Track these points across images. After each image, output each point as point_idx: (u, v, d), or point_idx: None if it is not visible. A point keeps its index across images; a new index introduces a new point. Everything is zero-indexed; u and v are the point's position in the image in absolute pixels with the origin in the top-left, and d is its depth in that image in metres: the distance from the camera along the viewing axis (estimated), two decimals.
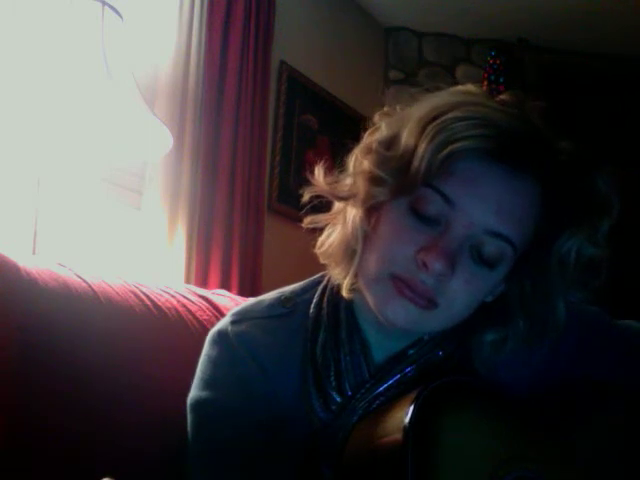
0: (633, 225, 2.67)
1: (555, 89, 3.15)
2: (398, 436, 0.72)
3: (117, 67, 1.48)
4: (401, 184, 0.76)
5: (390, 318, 0.76)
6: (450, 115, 0.73)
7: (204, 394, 0.85)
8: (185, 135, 2.06)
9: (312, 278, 0.92)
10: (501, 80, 3.19)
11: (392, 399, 0.80)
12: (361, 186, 0.80)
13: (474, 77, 3.28)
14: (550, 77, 3.32)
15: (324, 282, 0.89)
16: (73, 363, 0.93)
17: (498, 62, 3.22)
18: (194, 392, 0.86)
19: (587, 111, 3.09)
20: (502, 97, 0.80)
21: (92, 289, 1.01)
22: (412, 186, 0.75)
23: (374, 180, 0.78)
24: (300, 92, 2.82)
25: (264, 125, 2.38)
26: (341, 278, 0.83)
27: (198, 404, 0.85)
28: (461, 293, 0.75)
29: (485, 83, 3.19)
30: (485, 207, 0.73)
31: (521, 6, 3.11)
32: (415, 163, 0.73)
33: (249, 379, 0.84)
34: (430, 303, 0.75)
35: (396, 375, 0.83)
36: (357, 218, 0.80)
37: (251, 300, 0.93)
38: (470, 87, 0.81)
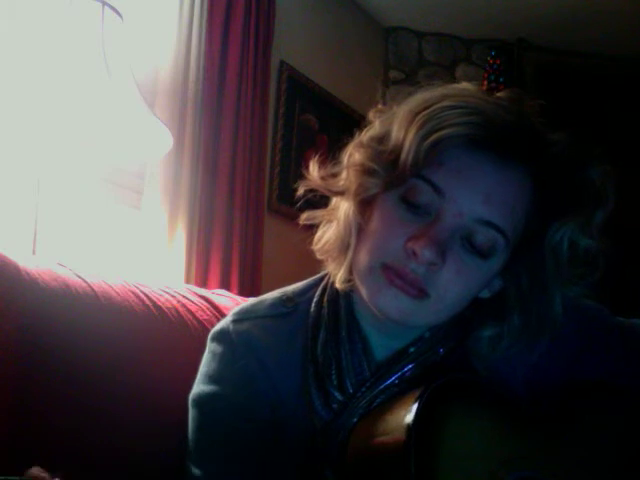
0: (633, 225, 2.68)
1: (555, 89, 3.15)
2: (401, 435, 0.72)
3: (117, 67, 1.48)
4: (392, 176, 0.76)
5: (382, 309, 0.76)
6: (439, 105, 0.74)
7: (208, 388, 0.85)
8: (185, 135, 2.06)
9: (313, 277, 0.92)
10: (501, 80, 3.19)
11: (392, 398, 0.80)
12: (353, 178, 0.80)
13: (474, 77, 3.28)
14: (550, 77, 3.32)
15: (325, 281, 0.89)
16: (73, 363, 0.93)
17: (498, 62, 3.22)
18: (197, 387, 0.87)
19: (586, 111, 3.09)
20: (498, 94, 0.80)
21: (92, 289, 1.01)
22: (403, 177, 0.75)
23: (366, 172, 0.79)
24: (300, 92, 2.82)
25: (264, 125, 2.38)
26: (336, 273, 0.84)
27: (201, 398, 0.85)
28: (453, 284, 0.75)
29: (485, 83, 3.19)
30: (475, 196, 0.74)
31: (521, 6, 3.11)
32: (403, 154, 0.74)
33: (251, 377, 0.85)
34: (421, 292, 0.75)
35: (396, 373, 0.83)
36: (350, 211, 0.81)
37: (252, 299, 0.94)
38: (465, 84, 0.81)
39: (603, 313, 0.92)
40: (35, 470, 0.54)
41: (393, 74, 3.41)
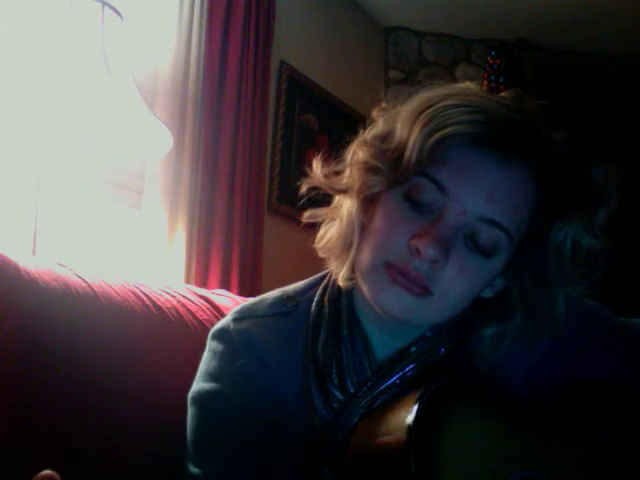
0: (633, 225, 2.68)
1: (555, 89, 3.15)
2: (402, 435, 0.72)
3: (117, 67, 1.48)
4: (396, 174, 0.76)
5: (385, 307, 0.76)
6: (442, 103, 0.74)
7: (207, 386, 0.85)
8: (185, 135, 2.06)
9: (314, 277, 0.92)
10: (501, 80, 3.20)
11: (393, 398, 0.80)
12: (357, 176, 0.81)
13: (474, 77, 3.28)
14: (550, 77, 3.32)
15: (326, 280, 0.89)
16: (73, 363, 0.93)
17: (498, 62, 3.22)
18: (197, 385, 0.87)
19: (587, 111, 3.09)
20: (501, 94, 0.80)
21: (92, 289, 1.01)
22: (406, 175, 0.75)
23: (370, 170, 0.79)
24: (300, 92, 2.82)
25: (264, 125, 2.38)
26: (339, 271, 0.84)
27: (201, 396, 0.85)
28: (456, 282, 0.75)
29: (485, 83, 3.19)
30: (478, 194, 0.74)
31: (521, 6, 3.11)
32: (407, 152, 0.74)
33: (252, 376, 0.85)
34: (424, 291, 0.75)
35: (398, 373, 0.83)
36: (353, 209, 0.81)
37: (253, 299, 0.93)
38: (467, 83, 0.82)
39: (604, 313, 0.92)
40: (47, 472, 0.54)
41: (393, 74, 3.41)
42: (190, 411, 0.86)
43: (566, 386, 0.86)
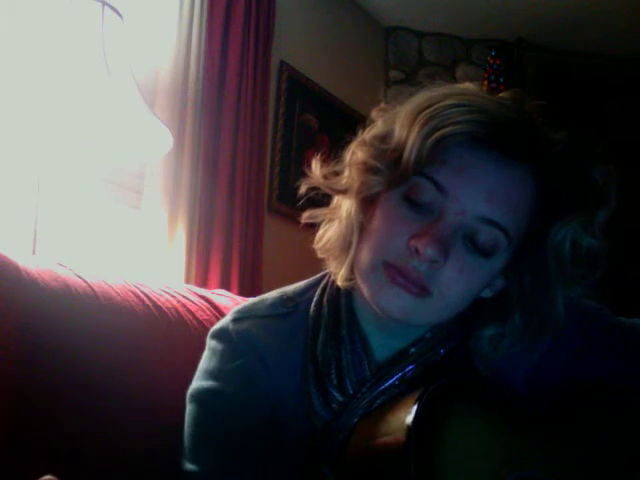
0: (633, 225, 2.68)
1: (555, 89, 3.15)
2: (401, 436, 0.72)
3: (117, 67, 1.48)
4: (395, 174, 0.76)
5: (384, 307, 0.76)
6: (441, 103, 0.74)
7: (207, 384, 0.85)
8: (185, 135, 2.06)
9: (314, 277, 0.92)
10: (501, 80, 3.20)
11: (393, 398, 0.80)
12: (356, 177, 0.80)
13: (474, 77, 3.28)
14: (550, 77, 3.32)
15: (325, 281, 0.89)
16: (73, 363, 0.93)
17: (498, 62, 3.23)
18: (196, 383, 0.87)
19: (587, 111, 3.09)
20: (500, 95, 0.80)
21: (92, 289, 1.01)
22: (405, 175, 0.75)
23: (369, 170, 0.79)
24: (300, 92, 2.82)
25: (264, 125, 2.38)
26: (338, 271, 0.84)
27: (200, 394, 0.85)
28: (455, 282, 0.75)
29: (485, 83, 3.19)
30: (477, 194, 0.74)
31: (521, 6, 3.11)
32: (406, 152, 0.74)
33: (252, 376, 0.85)
34: (423, 291, 0.75)
35: (397, 374, 0.83)
36: (352, 210, 0.81)
37: (252, 299, 0.93)
38: (467, 84, 0.82)
39: (604, 313, 0.92)
40: (48, 477, 0.54)
41: (393, 74, 3.41)
42: (189, 408, 0.86)
43: (566, 386, 0.86)
